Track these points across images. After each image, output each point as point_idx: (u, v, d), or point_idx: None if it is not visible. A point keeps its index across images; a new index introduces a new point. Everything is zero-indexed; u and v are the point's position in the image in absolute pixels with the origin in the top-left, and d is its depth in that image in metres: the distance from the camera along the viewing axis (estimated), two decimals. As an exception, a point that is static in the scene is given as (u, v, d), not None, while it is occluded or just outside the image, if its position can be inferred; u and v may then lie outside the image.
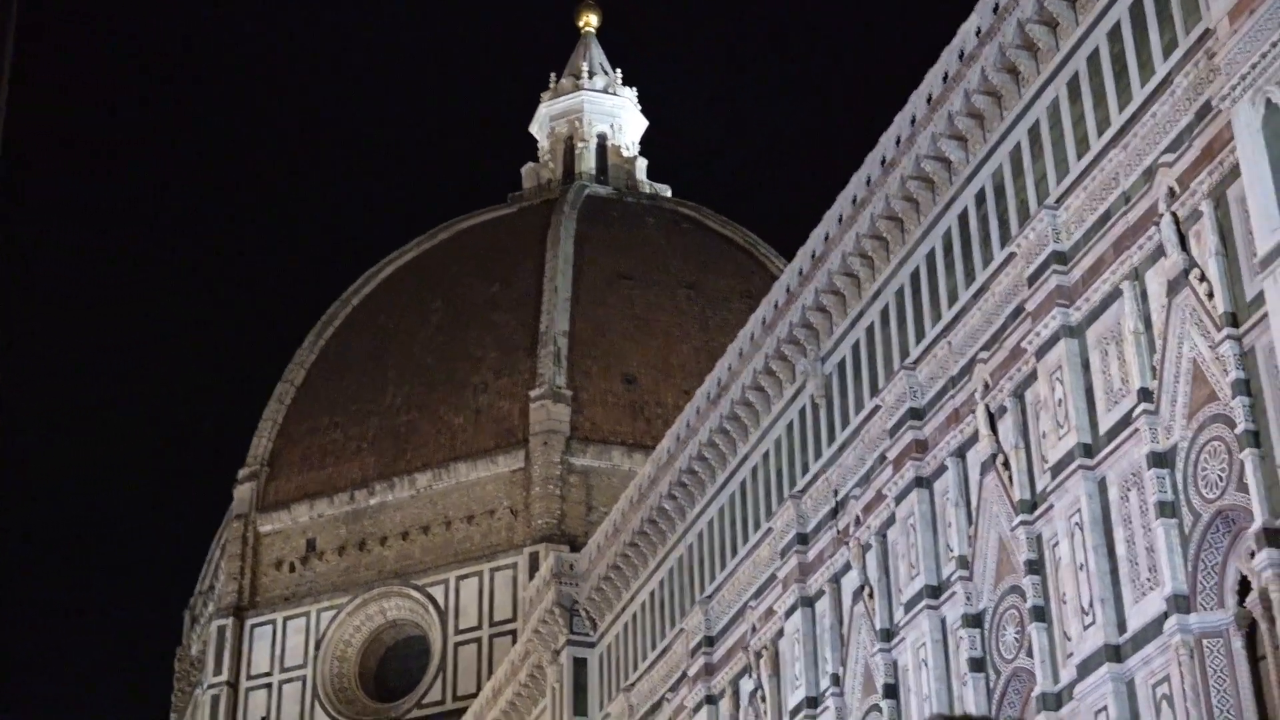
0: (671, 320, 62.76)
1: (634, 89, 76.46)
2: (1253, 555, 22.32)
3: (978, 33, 29.94)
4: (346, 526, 62.59)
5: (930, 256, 31.41)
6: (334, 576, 62.33)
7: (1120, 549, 25.02)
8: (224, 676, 61.69)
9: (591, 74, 75.00)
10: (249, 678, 61.81)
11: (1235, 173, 23.19)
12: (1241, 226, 23.24)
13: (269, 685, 61.35)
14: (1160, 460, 24.36)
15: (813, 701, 32.99)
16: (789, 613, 34.28)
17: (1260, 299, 22.37)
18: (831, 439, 34.00)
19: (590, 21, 77.11)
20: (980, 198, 30.13)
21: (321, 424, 66.57)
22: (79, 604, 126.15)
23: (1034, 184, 28.66)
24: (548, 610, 45.40)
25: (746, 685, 36.15)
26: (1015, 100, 29.38)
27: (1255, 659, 22.87)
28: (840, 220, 33.77)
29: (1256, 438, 22.47)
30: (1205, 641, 23.37)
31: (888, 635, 30.82)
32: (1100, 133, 27.00)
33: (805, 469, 34.82)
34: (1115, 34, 26.94)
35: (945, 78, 30.90)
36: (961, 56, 30.42)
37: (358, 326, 69.51)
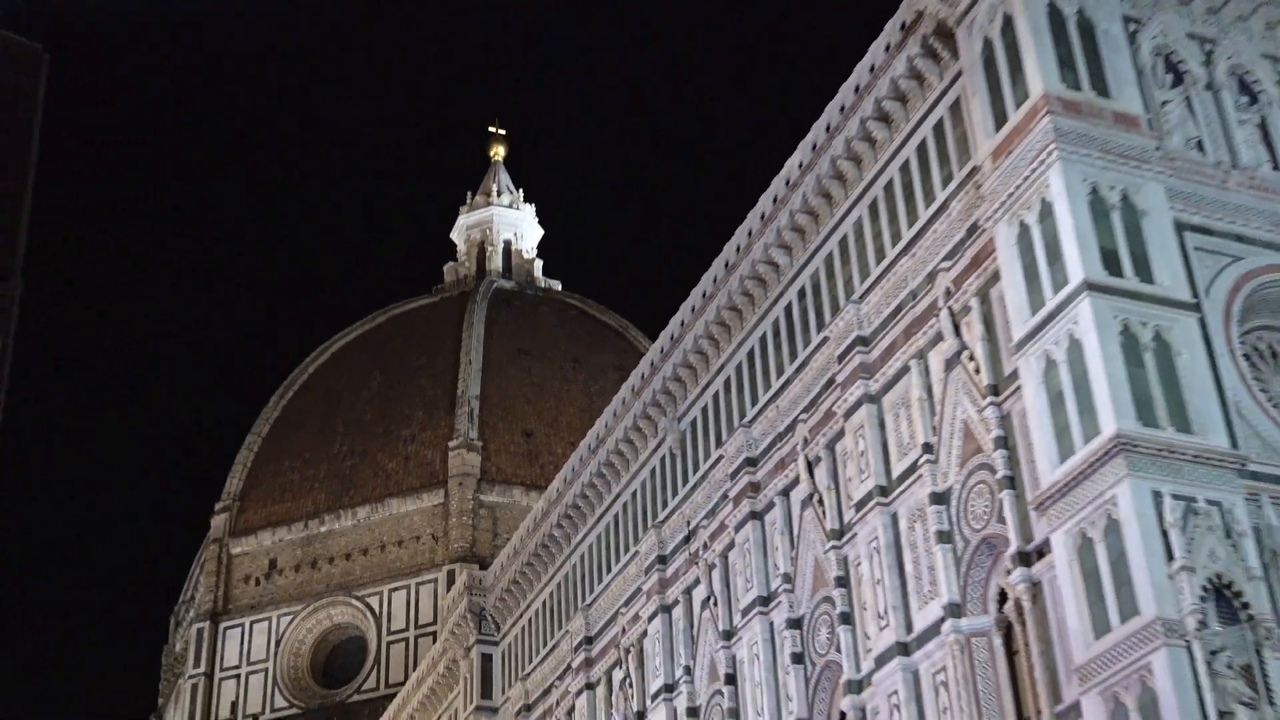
0: (561, 387, 62.90)
1: (532, 205, 77.10)
2: (1009, 573, 22.64)
3: (800, 166, 30.23)
4: (301, 549, 62.38)
5: (763, 339, 31.60)
6: (291, 589, 62.14)
7: (909, 568, 25.18)
8: (201, 669, 61.43)
9: (499, 193, 75.19)
10: (222, 670, 61.46)
11: (996, 277, 23.59)
12: (1001, 318, 23.60)
13: (238, 676, 61.13)
14: (939, 499, 24.59)
15: (669, 688, 32.90)
16: (651, 618, 34.24)
17: (1015, 375, 22.74)
18: (685, 481, 34.04)
19: (499, 152, 77.45)
20: (801, 294, 30.35)
21: (283, 467, 66.26)
22: (82, 608, 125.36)
23: (843, 284, 28.90)
24: (461, 616, 45.06)
25: (618, 675, 36.03)
26: (829, 218, 29.63)
27: (1011, 653, 23.10)
28: (693, 310, 33.94)
29: (1012, 481, 22.81)
30: (973, 640, 23.59)
31: (728, 635, 30.82)
32: (894, 244, 27.30)
33: (665, 504, 34.82)
34: (905, 168, 27.29)
35: (775, 200, 31.12)
36: (788, 184, 30.69)
37: (313, 389, 69.31)
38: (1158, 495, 19.55)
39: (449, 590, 49.69)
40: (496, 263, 71.61)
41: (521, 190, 75.68)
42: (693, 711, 31.78)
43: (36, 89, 37.06)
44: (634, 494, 36.65)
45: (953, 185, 25.46)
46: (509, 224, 72.59)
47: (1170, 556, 19.15)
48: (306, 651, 61.38)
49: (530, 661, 41.83)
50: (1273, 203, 23.87)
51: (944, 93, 26.11)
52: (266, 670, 60.84)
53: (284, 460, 66.32)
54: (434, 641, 49.66)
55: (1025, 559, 22.12)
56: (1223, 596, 19.13)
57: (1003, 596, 23.24)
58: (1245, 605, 19.20)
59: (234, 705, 60.65)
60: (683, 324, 34.02)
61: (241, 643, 61.76)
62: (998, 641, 23.37)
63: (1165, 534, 19.32)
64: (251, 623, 61.91)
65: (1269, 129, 24.89)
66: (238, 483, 66.82)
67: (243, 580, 63.40)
